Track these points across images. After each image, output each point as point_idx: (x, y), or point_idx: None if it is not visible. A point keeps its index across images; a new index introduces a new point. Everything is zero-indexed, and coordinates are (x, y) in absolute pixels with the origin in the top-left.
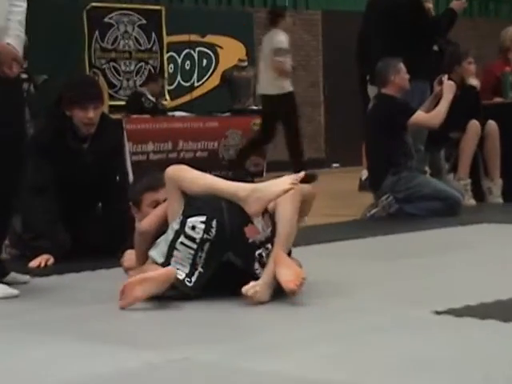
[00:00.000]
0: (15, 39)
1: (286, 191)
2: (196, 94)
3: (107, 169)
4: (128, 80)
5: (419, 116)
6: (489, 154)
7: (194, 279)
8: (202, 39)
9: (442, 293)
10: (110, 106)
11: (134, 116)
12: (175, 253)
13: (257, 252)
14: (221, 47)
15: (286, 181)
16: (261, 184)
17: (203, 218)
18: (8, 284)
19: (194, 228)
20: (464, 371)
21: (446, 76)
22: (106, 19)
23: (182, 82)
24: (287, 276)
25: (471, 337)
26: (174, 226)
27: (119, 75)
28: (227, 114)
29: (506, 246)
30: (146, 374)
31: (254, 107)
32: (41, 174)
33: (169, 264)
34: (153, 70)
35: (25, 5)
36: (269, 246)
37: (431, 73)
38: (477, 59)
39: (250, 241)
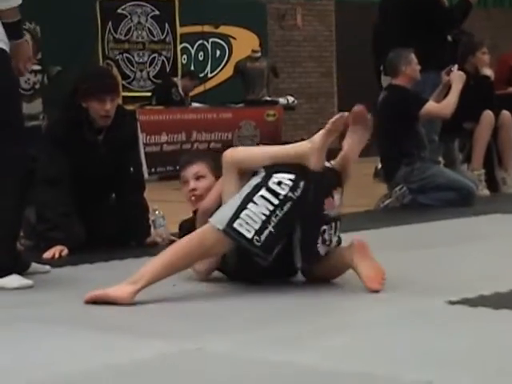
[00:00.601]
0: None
1: (329, 130)
2: (209, 84)
3: (121, 160)
4: (141, 71)
5: (430, 106)
6: (503, 144)
7: (263, 238)
8: (215, 30)
9: (456, 283)
10: (124, 97)
11: (148, 107)
12: (250, 205)
13: (322, 227)
14: (234, 38)
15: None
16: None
17: (292, 176)
18: (22, 274)
19: (279, 183)
20: (477, 362)
21: (456, 66)
22: (119, 10)
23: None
24: (369, 272)
25: (485, 327)
26: (253, 181)
27: (133, 66)
28: (241, 104)
29: None
30: (160, 365)
31: (268, 98)
32: (55, 166)
33: (237, 218)
34: (166, 62)
35: None
36: (333, 224)
37: (445, 63)
38: (491, 50)
39: (325, 212)
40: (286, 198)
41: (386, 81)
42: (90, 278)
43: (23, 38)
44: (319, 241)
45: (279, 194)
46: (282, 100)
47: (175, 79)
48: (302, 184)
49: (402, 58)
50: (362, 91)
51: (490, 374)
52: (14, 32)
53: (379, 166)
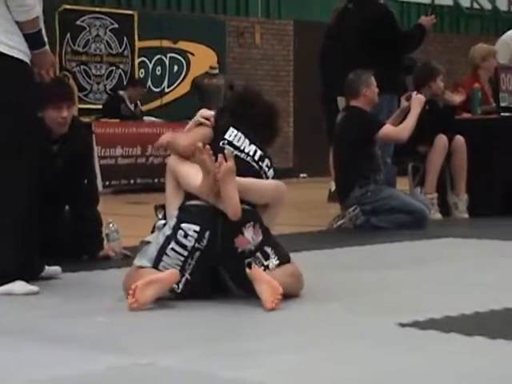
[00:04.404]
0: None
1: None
2: (166, 99)
3: (76, 172)
4: (98, 83)
5: (387, 130)
6: (456, 169)
7: (181, 286)
8: (173, 45)
9: (406, 305)
10: (80, 109)
11: (103, 120)
12: (164, 258)
13: (246, 261)
14: (192, 54)
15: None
16: None
17: (197, 228)
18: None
19: (186, 236)
20: None
21: (415, 92)
22: (78, 22)
23: (153, 88)
24: (265, 294)
25: (434, 350)
26: (166, 231)
27: (90, 78)
28: None
29: (471, 261)
30: (110, 378)
31: None
32: None
33: (156, 268)
34: (124, 75)
35: None
36: (258, 254)
37: (399, 87)
38: (447, 74)
39: (240, 250)
40: (194, 249)
41: (341, 101)
42: (43, 290)
43: (45, 47)
44: (247, 269)
45: (187, 246)
46: None
47: (122, 93)
48: (207, 234)
49: (362, 80)
50: (317, 111)
51: None
52: (34, 42)
53: (333, 188)
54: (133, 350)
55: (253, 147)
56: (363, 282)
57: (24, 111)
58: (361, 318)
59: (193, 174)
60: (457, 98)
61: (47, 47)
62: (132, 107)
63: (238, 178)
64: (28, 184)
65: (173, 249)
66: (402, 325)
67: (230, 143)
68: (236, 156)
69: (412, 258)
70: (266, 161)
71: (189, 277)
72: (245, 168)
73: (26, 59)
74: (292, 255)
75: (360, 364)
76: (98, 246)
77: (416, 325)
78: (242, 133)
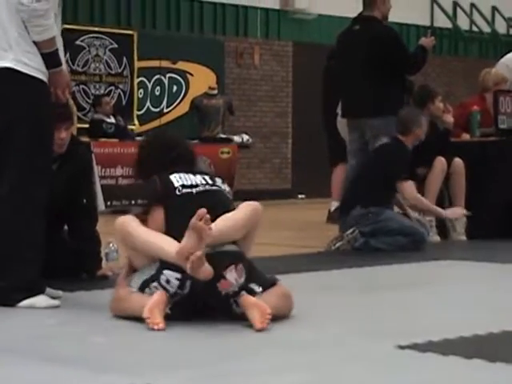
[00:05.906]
0: (64, 63)
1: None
2: (165, 119)
3: (75, 191)
4: None
5: (407, 188)
6: (454, 191)
7: (170, 306)
8: (172, 65)
9: (405, 327)
10: (79, 129)
11: (102, 139)
12: (147, 290)
13: (232, 299)
14: (191, 74)
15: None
16: None
17: (179, 276)
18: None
19: (168, 282)
20: None
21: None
22: (78, 42)
23: (152, 108)
24: (256, 316)
25: (433, 373)
26: (153, 266)
27: (89, 98)
28: (196, 141)
29: (469, 283)
30: None
31: (223, 135)
32: None
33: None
34: (123, 95)
35: None
36: (243, 292)
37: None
38: (446, 96)
39: (223, 293)
40: (176, 295)
41: (341, 123)
42: (42, 309)
43: (61, 67)
44: (235, 307)
45: (169, 291)
46: (236, 138)
47: (98, 115)
48: (188, 283)
49: (415, 121)
50: (315, 132)
51: None
52: (51, 61)
53: (332, 208)
54: (130, 370)
55: (199, 176)
56: (361, 304)
57: (42, 129)
58: (359, 340)
59: (163, 240)
60: (450, 118)
61: (63, 67)
62: (113, 119)
63: (212, 226)
64: (45, 196)
65: (156, 287)
66: (401, 347)
67: (183, 186)
68: (199, 192)
69: (410, 280)
70: (217, 179)
71: (169, 311)
72: (211, 197)
73: (45, 79)
74: (289, 276)
75: None
76: (96, 265)
77: (415, 347)
78: (182, 172)
